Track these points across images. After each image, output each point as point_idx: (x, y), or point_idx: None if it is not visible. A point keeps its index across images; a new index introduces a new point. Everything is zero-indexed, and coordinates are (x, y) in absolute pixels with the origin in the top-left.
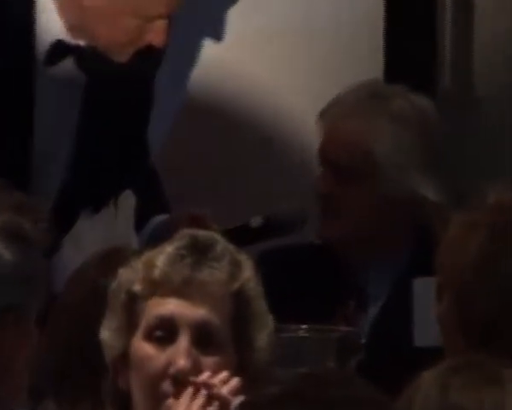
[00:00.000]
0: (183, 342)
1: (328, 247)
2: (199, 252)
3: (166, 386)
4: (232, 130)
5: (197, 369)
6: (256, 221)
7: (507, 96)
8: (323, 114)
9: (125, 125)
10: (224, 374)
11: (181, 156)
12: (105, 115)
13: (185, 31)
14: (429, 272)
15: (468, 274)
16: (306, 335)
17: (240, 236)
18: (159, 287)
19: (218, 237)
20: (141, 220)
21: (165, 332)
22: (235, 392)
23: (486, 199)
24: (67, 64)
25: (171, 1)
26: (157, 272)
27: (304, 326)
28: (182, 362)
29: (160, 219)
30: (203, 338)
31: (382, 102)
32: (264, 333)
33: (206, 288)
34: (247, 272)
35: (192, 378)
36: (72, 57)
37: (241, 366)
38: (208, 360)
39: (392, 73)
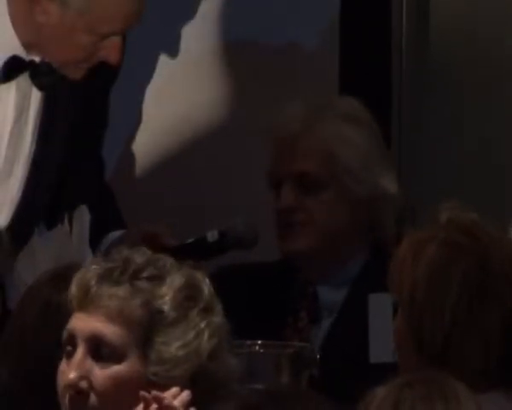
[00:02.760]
0: (78, 354)
1: (282, 261)
2: (112, 269)
3: (66, 400)
4: (187, 144)
5: (88, 380)
6: (212, 235)
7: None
8: (277, 128)
9: (79, 141)
10: (174, 389)
11: (136, 171)
12: (59, 131)
13: (140, 47)
14: (384, 286)
15: (418, 291)
16: (261, 350)
17: (196, 250)
18: (72, 302)
19: (143, 255)
20: (96, 236)
21: (71, 346)
22: (186, 404)
23: (438, 216)
24: (23, 80)
25: (126, 18)
26: (72, 288)
27: (259, 342)
28: (70, 375)
29: (115, 234)
30: (97, 350)
31: (329, 107)
32: (173, 346)
33: (102, 302)
34: (166, 289)
35: (142, 393)
36: (28, 73)
37: (148, 378)
38: (104, 371)
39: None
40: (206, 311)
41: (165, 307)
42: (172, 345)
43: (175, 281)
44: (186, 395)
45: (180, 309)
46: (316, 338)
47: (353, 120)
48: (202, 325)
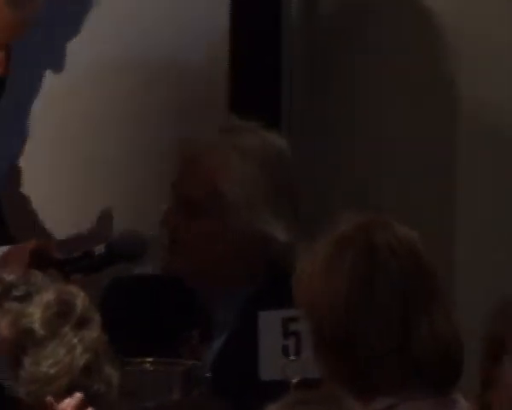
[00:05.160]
0: None
1: (175, 277)
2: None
3: None
4: (75, 158)
5: None
6: (99, 248)
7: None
8: (181, 148)
9: None
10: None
11: (24, 186)
12: None
13: (26, 61)
14: (276, 305)
15: (315, 283)
16: (151, 368)
17: (83, 263)
18: None
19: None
20: None
21: None
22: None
23: (331, 231)
24: None
25: (8, 31)
26: None
27: (149, 359)
28: None
29: (2, 249)
30: None
31: (234, 139)
32: (43, 365)
33: None
34: (35, 307)
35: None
36: None
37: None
38: None
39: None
40: (80, 326)
41: (35, 326)
42: (43, 364)
43: (44, 298)
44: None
45: (50, 326)
46: (207, 356)
47: (253, 158)
48: (75, 340)
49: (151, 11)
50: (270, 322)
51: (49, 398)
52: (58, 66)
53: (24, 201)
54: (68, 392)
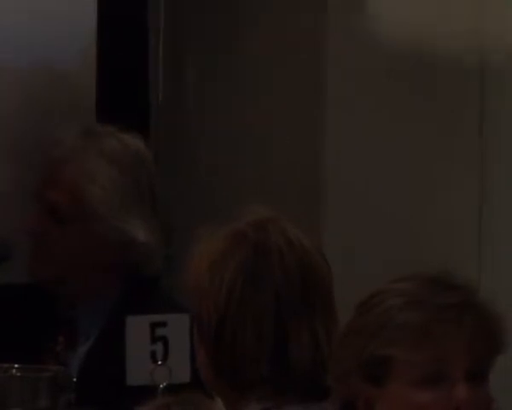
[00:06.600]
0: None
1: (39, 284)
2: None
3: None
4: None
5: None
6: None
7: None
8: (43, 154)
9: None
10: None
11: None
12: None
13: None
14: (141, 308)
15: (200, 280)
16: (18, 374)
17: None
18: None
19: None
20: None
21: None
22: None
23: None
24: None
25: None
26: None
27: (15, 366)
28: None
29: None
30: None
31: (95, 143)
32: None
33: None
34: None
35: None
36: None
37: None
38: None
39: (104, 114)
40: None
41: None
42: None
43: None
44: None
45: None
46: (74, 362)
47: (114, 161)
48: None
49: (16, 12)
50: (137, 327)
51: None
52: None
53: None
54: None
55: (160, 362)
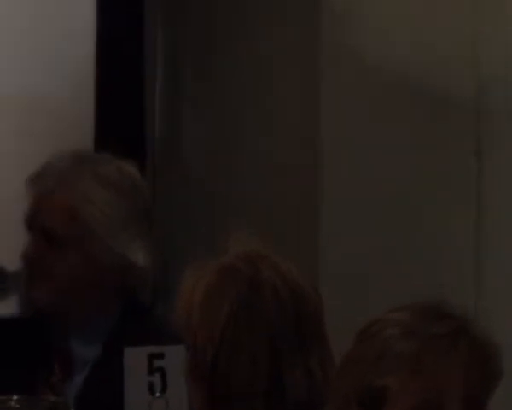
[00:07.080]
0: None
1: (35, 312)
2: None
3: None
4: None
5: None
6: None
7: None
8: (32, 182)
9: None
10: None
11: None
12: None
13: None
14: (137, 339)
15: (194, 314)
16: (17, 406)
17: None
18: None
19: None
20: None
21: None
22: None
23: (226, 246)
24: None
25: None
26: None
27: (14, 397)
28: None
29: None
30: None
31: (90, 167)
32: None
33: None
34: None
35: None
36: None
37: None
38: None
39: (101, 144)
40: None
41: None
42: None
43: None
44: None
45: None
46: (70, 391)
47: (110, 184)
48: None
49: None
50: (135, 358)
51: None
52: None
53: None
54: None
55: (157, 394)
